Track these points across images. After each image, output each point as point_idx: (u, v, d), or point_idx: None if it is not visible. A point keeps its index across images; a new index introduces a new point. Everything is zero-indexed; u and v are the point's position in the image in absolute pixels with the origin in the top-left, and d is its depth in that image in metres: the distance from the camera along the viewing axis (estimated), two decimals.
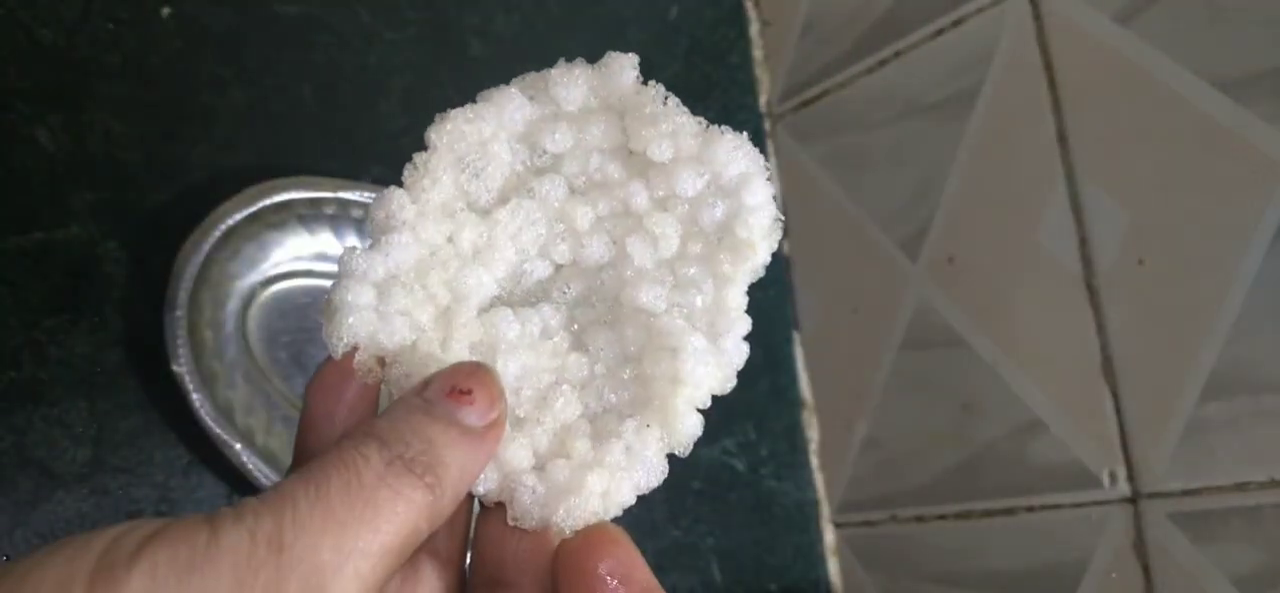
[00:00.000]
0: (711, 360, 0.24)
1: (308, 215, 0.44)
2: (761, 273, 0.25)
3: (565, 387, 0.23)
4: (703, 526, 0.56)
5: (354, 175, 0.48)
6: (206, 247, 0.40)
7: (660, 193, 0.25)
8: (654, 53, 0.61)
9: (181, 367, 0.39)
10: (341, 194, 0.44)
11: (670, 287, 0.24)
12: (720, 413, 0.61)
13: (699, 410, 0.24)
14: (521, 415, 0.23)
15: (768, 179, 0.25)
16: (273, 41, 0.48)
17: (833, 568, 0.61)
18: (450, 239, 0.23)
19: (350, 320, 0.21)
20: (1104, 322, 0.47)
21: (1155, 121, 0.45)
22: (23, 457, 0.39)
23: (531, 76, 0.25)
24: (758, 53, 0.67)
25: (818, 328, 0.63)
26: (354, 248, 0.22)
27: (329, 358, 0.21)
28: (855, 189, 0.60)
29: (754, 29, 0.67)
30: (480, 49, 0.54)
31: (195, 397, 0.39)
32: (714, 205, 0.24)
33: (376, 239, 0.22)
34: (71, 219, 0.41)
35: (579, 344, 0.24)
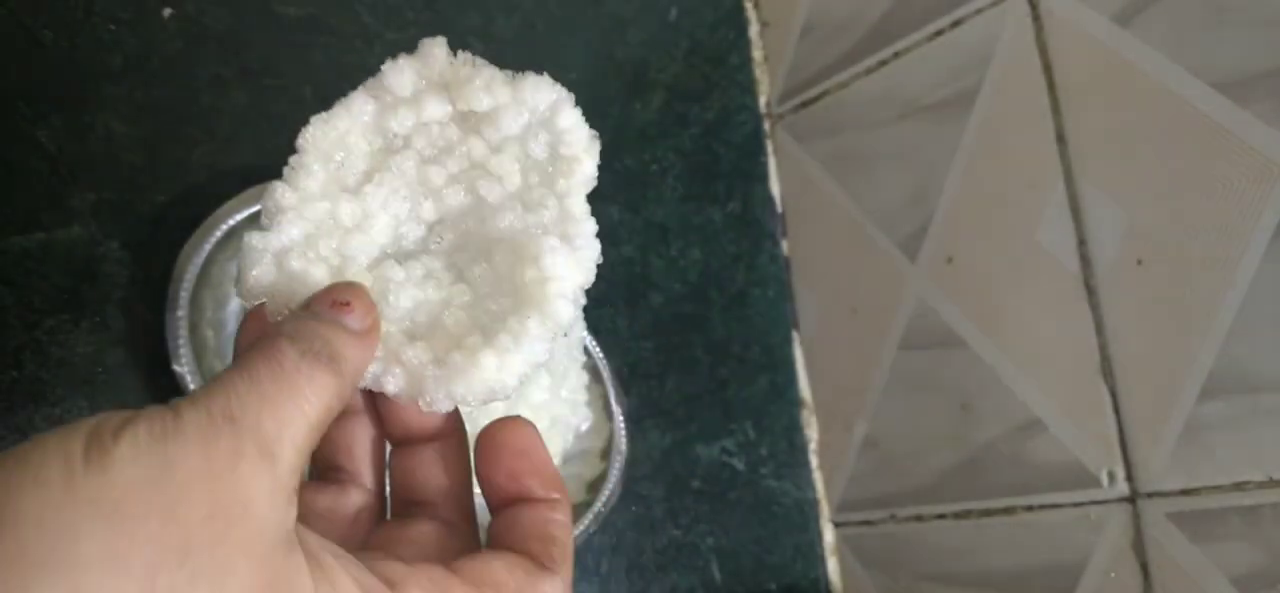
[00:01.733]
0: (569, 256, 0.28)
1: None
2: (593, 181, 0.29)
3: (453, 307, 0.28)
4: (702, 525, 0.56)
5: None
6: (207, 247, 0.40)
7: (494, 139, 0.30)
8: (654, 54, 0.62)
9: (183, 367, 0.39)
10: None
11: (522, 211, 0.29)
12: (720, 412, 0.62)
13: (568, 300, 0.29)
14: (419, 335, 0.27)
15: (574, 104, 0.30)
16: (273, 42, 0.48)
17: (832, 567, 0.61)
18: (332, 217, 0.28)
19: (254, 280, 0.25)
20: (1103, 322, 0.47)
21: (1154, 122, 0.45)
22: None
23: (371, 80, 0.30)
24: (757, 54, 0.67)
25: (817, 328, 0.63)
26: (252, 231, 0.27)
27: (248, 312, 0.25)
28: (854, 189, 0.60)
29: (753, 30, 0.67)
30: (481, 50, 0.54)
31: None
32: (538, 136, 0.30)
33: (268, 223, 0.27)
34: (73, 219, 0.41)
35: (460, 278, 0.29)
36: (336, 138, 0.29)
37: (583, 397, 0.48)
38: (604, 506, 0.48)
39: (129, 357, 0.42)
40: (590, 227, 0.29)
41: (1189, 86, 0.44)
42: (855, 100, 0.60)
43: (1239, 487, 0.43)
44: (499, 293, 0.29)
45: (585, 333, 0.48)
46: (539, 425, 0.32)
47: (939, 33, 0.55)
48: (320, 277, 0.26)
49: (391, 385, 0.25)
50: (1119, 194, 0.47)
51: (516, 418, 0.25)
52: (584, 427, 0.49)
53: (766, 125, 0.66)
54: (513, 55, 0.57)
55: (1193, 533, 0.44)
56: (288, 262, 0.26)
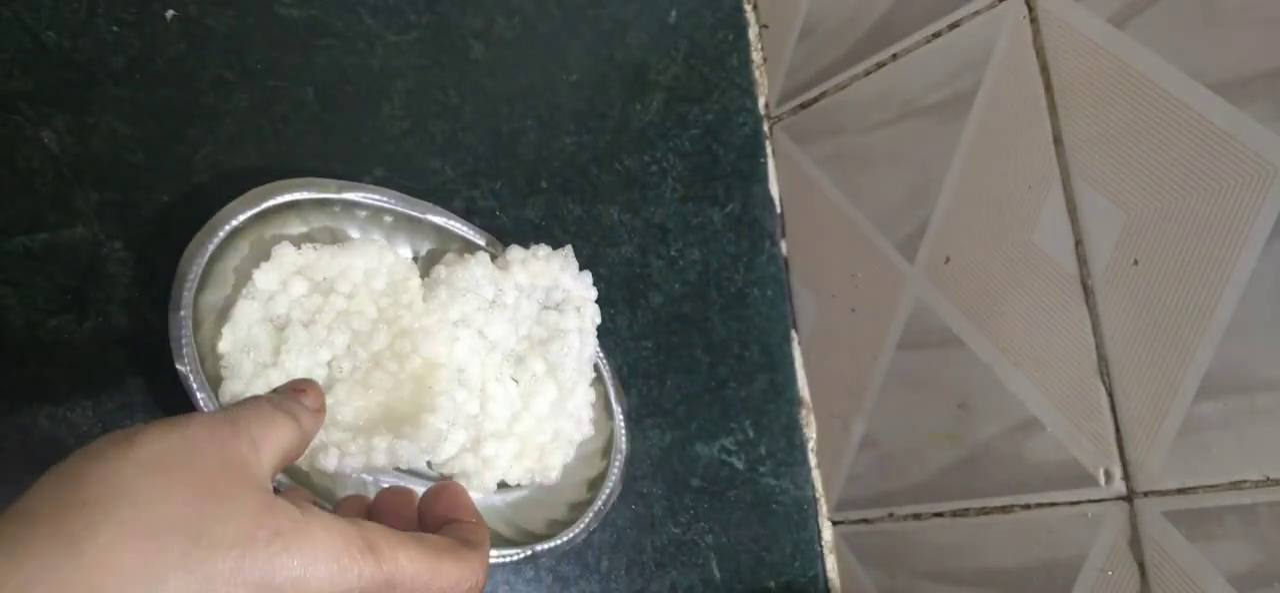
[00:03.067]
0: (434, 338, 0.44)
1: (311, 216, 0.45)
2: (419, 290, 0.46)
3: (373, 406, 0.43)
4: (702, 523, 0.57)
5: (357, 176, 0.48)
6: (211, 247, 0.40)
7: (346, 291, 0.44)
8: (653, 56, 0.62)
9: (186, 366, 0.39)
10: (346, 195, 0.44)
11: (386, 329, 0.44)
12: (719, 411, 0.62)
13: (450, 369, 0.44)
14: (361, 432, 0.42)
15: (383, 251, 0.46)
16: (276, 44, 0.48)
17: (831, 565, 0.61)
18: (267, 386, 0.40)
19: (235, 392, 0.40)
20: (1099, 321, 0.48)
21: (1150, 123, 0.46)
22: (28, 456, 0.39)
23: (247, 287, 0.42)
24: (756, 56, 0.67)
25: (815, 328, 0.63)
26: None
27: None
28: (853, 190, 0.61)
29: (753, 32, 0.67)
30: (482, 52, 0.55)
31: (199, 396, 0.39)
32: (376, 278, 0.45)
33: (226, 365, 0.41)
34: (76, 220, 0.41)
35: (367, 387, 0.43)
36: (244, 335, 0.41)
37: (588, 413, 0.49)
38: (604, 503, 0.49)
39: (132, 357, 0.42)
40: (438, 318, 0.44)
41: (1185, 88, 0.44)
42: (854, 102, 0.60)
43: (1236, 486, 0.43)
44: (398, 384, 0.42)
45: (596, 350, 0.50)
46: (540, 439, 0.47)
47: (937, 34, 0.55)
48: (275, 380, 0.39)
49: (349, 465, 0.40)
50: (1116, 195, 0.47)
51: (452, 483, 0.35)
52: (587, 444, 0.50)
53: (766, 127, 0.67)
54: (514, 57, 0.57)
55: (1189, 532, 0.44)
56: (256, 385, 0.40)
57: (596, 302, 0.49)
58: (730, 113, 0.65)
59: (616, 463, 0.50)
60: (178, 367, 0.39)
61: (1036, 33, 0.50)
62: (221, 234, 0.41)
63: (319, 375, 0.42)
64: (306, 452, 0.33)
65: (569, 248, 0.49)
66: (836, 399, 0.61)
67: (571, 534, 0.47)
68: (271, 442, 0.29)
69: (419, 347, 0.43)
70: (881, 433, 0.58)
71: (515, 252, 0.47)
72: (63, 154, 0.42)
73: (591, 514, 0.48)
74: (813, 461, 0.62)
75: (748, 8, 0.67)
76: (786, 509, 0.60)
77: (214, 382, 0.40)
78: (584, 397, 0.49)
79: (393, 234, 0.47)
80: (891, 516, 0.58)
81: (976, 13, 0.53)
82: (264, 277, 0.41)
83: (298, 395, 0.32)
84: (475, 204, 0.52)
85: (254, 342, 0.41)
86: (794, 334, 0.64)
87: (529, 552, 0.46)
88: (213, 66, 0.46)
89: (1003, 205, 0.52)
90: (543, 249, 0.48)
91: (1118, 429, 0.47)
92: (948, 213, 0.55)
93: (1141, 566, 0.46)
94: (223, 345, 0.41)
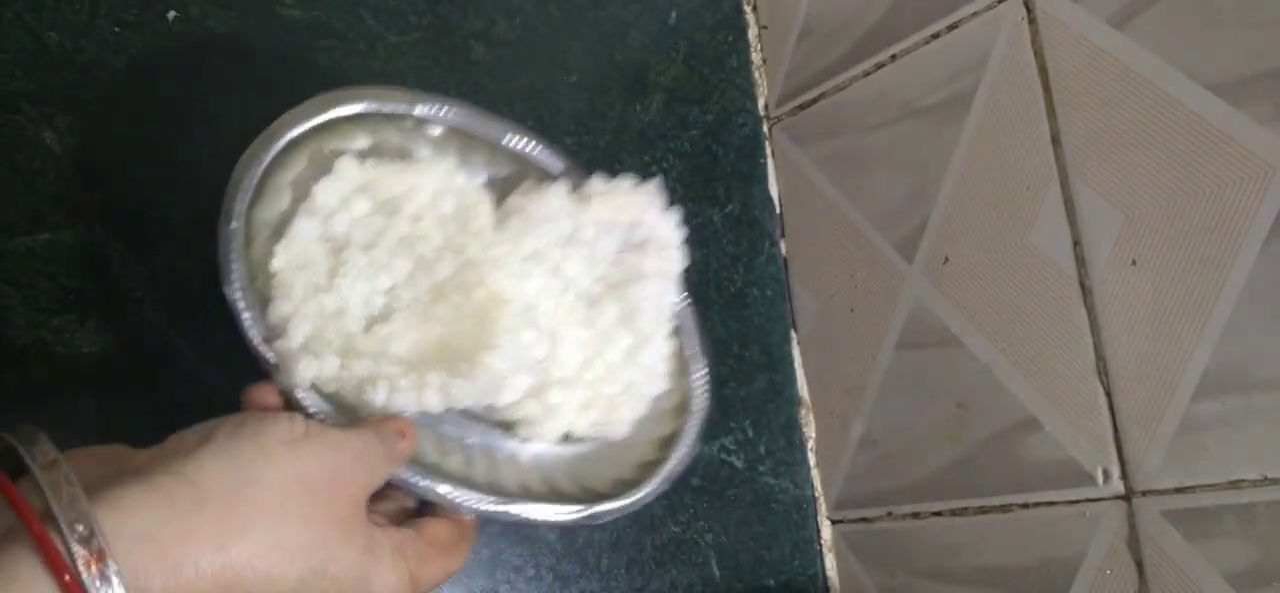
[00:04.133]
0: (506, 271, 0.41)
1: (378, 130, 0.41)
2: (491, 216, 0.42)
3: (431, 340, 0.39)
4: (701, 522, 0.57)
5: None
6: (268, 157, 0.37)
7: (412, 213, 0.40)
8: (653, 57, 0.62)
9: (234, 290, 0.37)
10: (418, 109, 0.41)
11: (452, 256, 0.40)
12: (719, 411, 0.62)
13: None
14: (414, 368, 0.38)
15: (457, 167, 0.42)
16: (278, 45, 0.48)
17: (830, 564, 0.61)
18: (319, 311, 0.38)
19: (301, 375, 0.36)
20: (1098, 321, 0.48)
21: (1148, 123, 0.46)
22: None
23: (305, 202, 0.38)
24: (756, 56, 0.67)
25: (815, 327, 0.63)
26: (276, 342, 0.37)
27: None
28: (852, 190, 0.61)
29: (752, 33, 0.67)
30: (482, 53, 0.55)
31: (246, 317, 0.37)
32: (444, 200, 0.41)
33: (281, 331, 0.37)
34: (78, 220, 0.42)
35: (428, 319, 0.39)
36: (299, 253, 0.37)
37: (664, 366, 0.45)
38: (676, 465, 0.44)
39: (134, 356, 0.42)
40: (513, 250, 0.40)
41: (1184, 88, 0.44)
42: (853, 103, 0.61)
43: (1234, 485, 0.43)
44: (460, 319, 0.39)
45: (679, 302, 0.45)
46: (610, 390, 0.43)
47: (936, 36, 0.55)
48: (331, 365, 0.36)
49: (398, 401, 0.37)
50: (1114, 195, 0.47)
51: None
52: (661, 400, 0.45)
53: (765, 127, 0.67)
54: (514, 58, 0.57)
55: (1187, 531, 0.44)
56: (308, 357, 0.36)
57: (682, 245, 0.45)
58: (730, 113, 0.65)
59: (693, 423, 0.45)
60: (225, 290, 0.36)
61: (1035, 34, 0.50)
62: (280, 143, 0.37)
63: (377, 303, 0.38)
64: (356, 382, 0.36)
65: (659, 180, 0.44)
66: (836, 399, 0.62)
67: (637, 496, 0.42)
68: (379, 478, 0.34)
69: (486, 279, 0.39)
70: (880, 432, 0.59)
71: (597, 183, 0.43)
72: (64, 154, 0.42)
73: (660, 477, 0.43)
74: (812, 460, 0.63)
75: (747, 9, 0.68)
76: (786, 508, 0.61)
77: (263, 303, 0.37)
78: (661, 348, 0.44)
79: (465, 156, 0.42)
80: (890, 514, 0.58)
81: (975, 14, 0.53)
82: (325, 192, 0.38)
83: (399, 440, 0.35)
84: None
85: (310, 261, 0.37)
86: (793, 334, 0.64)
87: (589, 511, 0.41)
88: (214, 67, 0.46)
89: (1001, 206, 0.52)
90: (627, 181, 0.43)
91: (1116, 429, 0.47)
92: (946, 213, 0.55)
93: (1140, 565, 0.46)
94: (276, 263, 0.37)
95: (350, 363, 0.36)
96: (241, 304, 0.36)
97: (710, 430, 0.58)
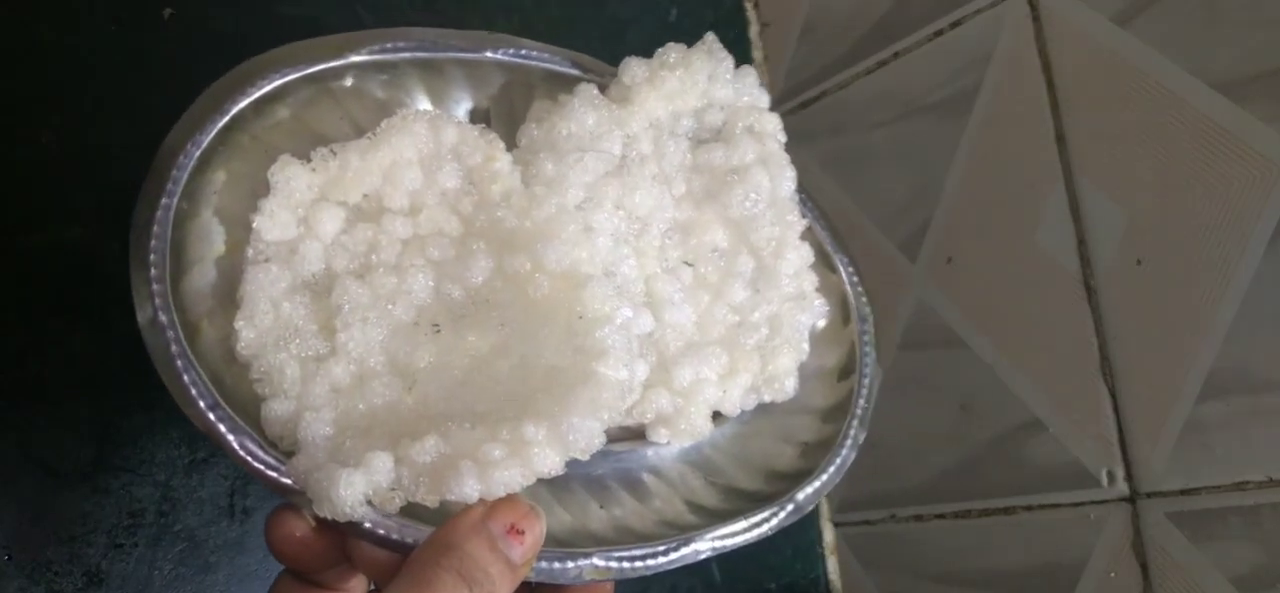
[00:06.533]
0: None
1: (306, 101, 0.31)
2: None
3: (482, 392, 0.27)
4: None
5: None
6: (171, 204, 0.28)
7: (401, 206, 0.29)
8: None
9: (204, 406, 0.26)
10: (353, 57, 0.31)
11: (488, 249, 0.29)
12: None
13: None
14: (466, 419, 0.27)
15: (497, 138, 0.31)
16: (275, 43, 0.48)
17: (832, 567, 0.61)
18: (335, 392, 0.27)
19: (341, 501, 0.24)
20: (1102, 322, 0.48)
21: (1153, 122, 0.45)
22: (26, 456, 0.39)
23: (250, 254, 0.28)
24: (757, 54, 0.67)
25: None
26: (295, 459, 0.25)
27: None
28: (854, 189, 0.60)
29: (754, 30, 0.67)
30: None
31: (231, 440, 0.26)
32: (450, 167, 0.30)
33: (297, 445, 0.26)
34: (74, 220, 0.41)
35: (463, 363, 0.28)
36: (269, 321, 0.26)
37: (811, 280, 0.34)
38: (867, 395, 0.33)
39: (130, 357, 0.42)
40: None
41: (1189, 87, 0.44)
42: (855, 100, 0.60)
43: (1239, 487, 0.43)
44: (527, 325, 0.27)
45: (796, 189, 0.33)
46: (752, 338, 0.31)
47: (939, 33, 0.55)
48: (383, 466, 0.24)
49: (499, 483, 0.24)
50: (1119, 194, 0.47)
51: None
52: (820, 323, 0.34)
53: None
54: None
55: (1193, 533, 0.44)
56: (345, 467, 0.24)
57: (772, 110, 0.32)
58: None
59: (865, 333, 0.35)
60: (190, 414, 0.25)
61: (1039, 31, 0.50)
62: (180, 176, 0.26)
63: (405, 346, 0.27)
64: (427, 476, 0.24)
65: (711, 36, 0.33)
66: None
67: (843, 454, 0.32)
68: None
69: (542, 259, 0.27)
70: (883, 434, 0.58)
71: (634, 68, 0.31)
72: (61, 154, 0.42)
73: (857, 417, 0.34)
74: None
75: (748, 6, 0.67)
76: None
77: (250, 409, 0.26)
78: (799, 257, 0.33)
79: (441, 93, 0.31)
80: (893, 517, 0.58)
81: (978, 11, 0.53)
82: (270, 221, 0.27)
83: (512, 542, 0.23)
84: None
85: (289, 326, 0.26)
86: None
87: (791, 505, 0.30)
88: (211, 66, 0.46)
89: (1005, 205, 0.52)
90: (673, 50, 0.32)
91: (1120, 430, 0.47)
92: (950, 212, 0.55)
93: (1144, 567, 0.46)
94: (242, 347, 0.26)
95: (407, 451, 0.25)
96: (223, 428, 0.25)
97: None
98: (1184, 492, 0.44)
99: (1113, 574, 0.47)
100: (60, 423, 0.40)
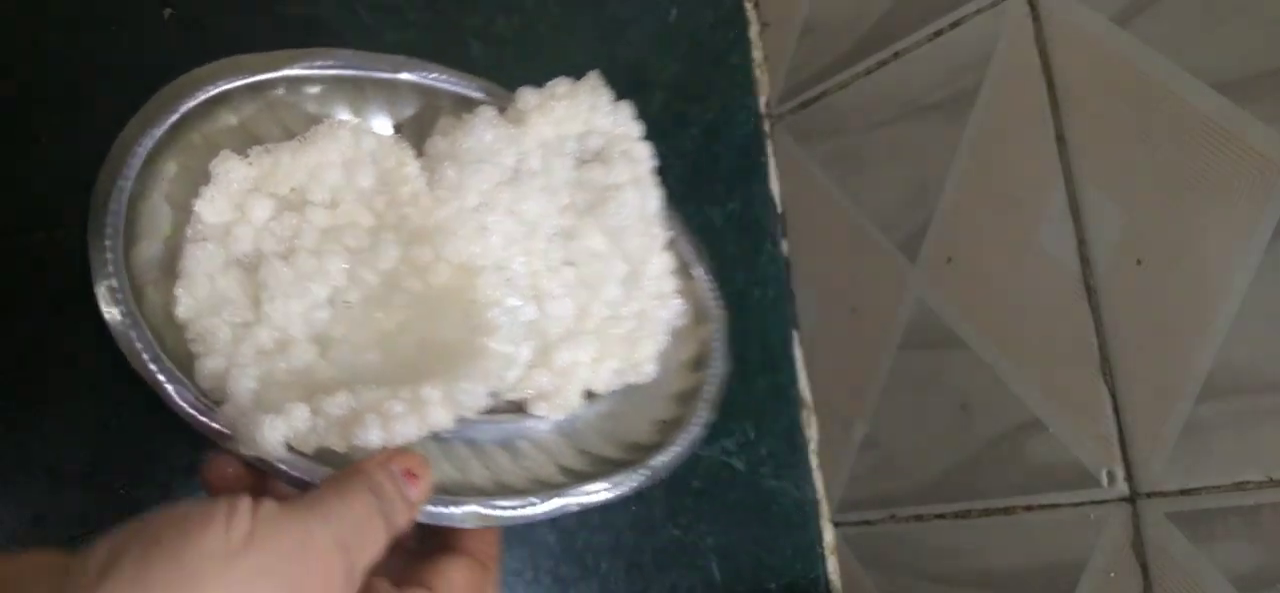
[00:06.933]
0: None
1: (246, 107, 0.36)
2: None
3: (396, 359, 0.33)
4: (702, 524, 0.56)
5: None
6: (127, 185, 0.33)
7: (323, 199, 0.34)
8: (654, 54, 0.62)
9: (148, 359, 0.33)
10: (287, 71, 0.35)
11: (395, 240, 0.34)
12: (720, 412, 0.62)
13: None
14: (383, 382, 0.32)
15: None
16: (274, 43, 0.48)
17: (832, 567, 0.61)
18: (258, 350, 0.31)
19: (264, 440, 0.29)
20: (1102, 322, 0.48)
21: (1154, 122, 0.45)
22: (26, 456, 0.39)
23: (189, 231, 0.32)
24: (757, 54, 0.67)
25: (817, 328, 0.63)
26: (223, 406, 0.31)
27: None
28: (854, 190, 0.60)
29: (754, 30, 0.67)
30: (481, 51, 0.54)
31: (169, 388, 0.32)
32: (365, 168, 0.35)
33: (225, 394, 0.31)
34: (75, 220, 0.41)
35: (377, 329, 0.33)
36: (206, 290, 0.31)
37: (671, 283, 0.39)
38: (716, 384, 0.39)
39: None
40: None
41: (1189, 86, 0.44)
42: (855, 101, 0.60)
43: (1239, 487, 0.43)
44: (428, 305, 0.32)
45: (661, 199, 0.39)
46: (621, 329, 0.37)
47: (938, 33, 0.55)
48: (301, 416, 0.29)
49: (399, 432, 0.30)
50: (1119, 194, 0.47)
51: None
52: (678, 320, 0.40)
53: (766, 126, 0.67)
54: (513, 55, 0.57)
55: (1192, 533, 0.44)
56: (267, 414, 0.29)
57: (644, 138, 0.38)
58: (731, 112, 0.65)
59: (717, 331, 0.40)
60: (130, 362, 0.30)
61: (1039, 31, 0.50)
62: (133, 163, 0.31)
63: (320, 320, 0.32)
64: (338, 425, 0.29)
65: (595, 74, 0.38)
66: (838, 400, 0.61)
67: (692, 432, 0.37)
68: (368, 555, 0.27)
69: (441, 250, 0.33)
70: (883, 434, 0.58)
71: (528, 96, 0.37)
72: (61, 153, 0.42)
73: (704, 401, 0.39)
74: (814, 462, 0.62)
75: (748, 6, 0.67)
76: (787, 511, 0.60)
77: (184, 363, 0.31)
78: (661, 264, 0.39)
79: (362, 108, 0.36)
80: (893, 517, 0.58)
81: (978, 11, 0.53)
82: (210, 206, 0.32)
83: (408, 483, 0.28)
84: None
85: (222, 296, 0.31)
86: (795, 334, 0.64)
87: (648, 471, 0.36)
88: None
89: (1005, 205, 0.52)
90: (562, 83, 0.37)
91: (1120, 430, 0.47)
92: (950, 212, 0.55)
93: (1144, 567, 0.46)
94: (181, 311, 0.31)
95: (321, 404, 0.29)
96: (161, 377, 0.29)
97: (711, 432, 0.58)
98: (1184, 492, 0.45)
99: (1113, 574, 0.47)
100: (60, 423, 0.40)
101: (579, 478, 0.34)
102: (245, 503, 0.25)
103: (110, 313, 0.30)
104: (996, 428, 0.52)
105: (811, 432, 0.63)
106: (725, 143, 0.64)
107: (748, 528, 0.58)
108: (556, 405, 0.36)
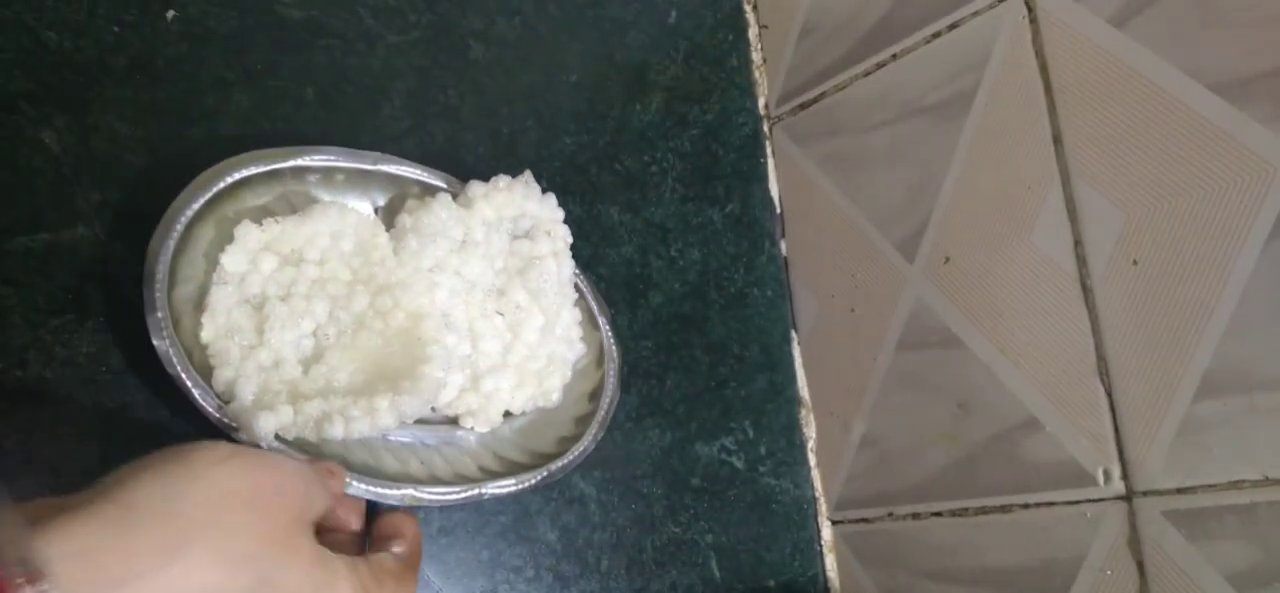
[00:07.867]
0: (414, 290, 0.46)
1: (263, 189, 0.45)
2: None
3: (365, 369, 0.44)
4: (702, 523, 0.57)
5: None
6: (171, 244, 0.41)
7: (315, 258, 0.44)
8: (653, 56, 0.62)
9: (177, 367, 0.40)
10: (294, 161, 0.44)
11: (362, 291, 0.44)
12: (719, 411, 0.62)
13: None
14: (359, 392, 0.43)
15: (342, 214, 0.46)
16: (276, 44, 0.48)
17: (830, 564, 0.61)
18: (259, 365, 0.42)
19: (261, 432, 0.40)
20: (1099, 321, 0.48)
21: (1150, 123, 0.46)
22: (29, 456, 0.39)
23: (216, 272, 0.42)
24: (756, 56, 0.67)
25: (815, 327, 0.63)
26: (229, 406, 0.41)
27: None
28: (853, 190, 0.61)
29: (752, 32, 0.67)
30: (481, 52, 0.55)
31: (195, 393, 0.40)
32: (343, 241, 0.46)
33: (229, 395, 0.41)
34: (77, 220, 0.42)
35: (357, 349, 0.44)
36: (224, 321, 0.41)
37: (577, 332, 0.51)
38: (607, 410, 0.50)
39: (132, 357, 0.42)
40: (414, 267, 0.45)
41: (1185, 88, 0.44)
42: (853, 102, 0.61)
43: (1235, 485, 0.43)
44: (388, 340, 0.44)
45: (573, 269, 0.51)
46: (535, 365, 0.49)
47: (936, 35, 0.55)
48: (287, 414, 0.40)
49: (356, 429, 0.41)
50: (1115, 195, 0.47)
51: (399, 513, 0.42)
52: (580, 360, 0.51)
53: (765, 127, 0.67)
54: (514, 57, 0.57)
55: (1188, 531, 0.44)
56: (262, 411, 0.40)
57: (564, 222, 0.51)
58: (730, 113, 0.65)
59: (611, 371, 0.51)
60: (168, 371, 0.40)
61: (1036, 33, 0.50)
62: (179, 227, 0.41)
63: (306, 346, 0.43)
64: (313, 422, 0.41)
65: (528, 173, 0.49)
66: (836, 399, 0.61)
67: (583, 446, 0.48)
68: (319, 505, 0.36)
69: (400, 301, 0.44)
70: (881, 433, 0.59)
71: (475, 187, 0.48)
72: (63, 154, 0.42)
73: (597, 423, 0.49)
74: (812, 460, 0.63)
75: (748, 8, 0.67)
76: (786, 509, 0.61)
77: (204, 373, 0.41)
78: (570, 317, 0.50)
79: (347, 192, 0.47)
80: (891, 515, 0.58)
81: (976, 13, 0.53)
82: (231, 260, 0.42)
83: (329, 477, 0.38)
84: None
85: (235, 326, 0.42)
86: (794, 334, 0.64)
87: (545, 472, 0.47)
88: (213, 67, 0.46)
89: (1002, 205, 0.52)
90: (503, 179, 0.48)
91: (1117, 429, 0.47)
92: (947, 213, 0.55)
93: (1140, 565, 0.46)
94: (205, 335, 0.41)
95: (302, 406, 0.41)
96: (188, 381, 0.40)
97: (711, 431, 0.58)
98: (1180, 490, 0.45)
99: (1109, 572, 0.47)
100: (63, 423, 0.40)
101: (493, 476, 0.46)
102: (224, 440, 0.34)
103: (158, 340, 0.39)
104: (994, 427, 0.52)
105: (810, 430, 0.63)
106: (725, 144, 0.64)
107: (747, 526, 0.58)
108: (482, 420, 0.47)
